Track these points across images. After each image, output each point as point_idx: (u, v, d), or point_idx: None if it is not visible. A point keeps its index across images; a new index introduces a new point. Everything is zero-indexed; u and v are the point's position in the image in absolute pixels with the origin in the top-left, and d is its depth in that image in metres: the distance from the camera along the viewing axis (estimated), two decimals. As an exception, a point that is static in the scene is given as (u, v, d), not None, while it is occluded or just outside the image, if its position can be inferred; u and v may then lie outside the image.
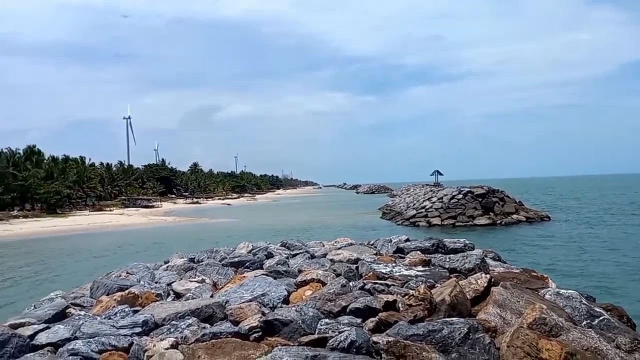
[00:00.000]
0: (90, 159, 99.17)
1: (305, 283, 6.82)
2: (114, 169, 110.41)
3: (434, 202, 42.75)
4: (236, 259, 8.69)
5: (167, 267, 8.80)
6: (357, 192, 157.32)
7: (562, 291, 6.45)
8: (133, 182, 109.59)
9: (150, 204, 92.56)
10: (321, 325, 4.93)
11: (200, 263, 8.81)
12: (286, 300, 6.20)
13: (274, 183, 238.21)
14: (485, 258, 8.21)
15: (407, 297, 5.64)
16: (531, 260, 19.50)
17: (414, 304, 5.45)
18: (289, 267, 8.24)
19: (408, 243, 9.32)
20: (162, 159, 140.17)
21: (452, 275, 7.10)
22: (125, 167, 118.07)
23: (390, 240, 9.79)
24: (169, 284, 7.25)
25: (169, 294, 6.81)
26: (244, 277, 7.17)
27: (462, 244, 9.19)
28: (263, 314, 5.39)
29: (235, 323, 5.26)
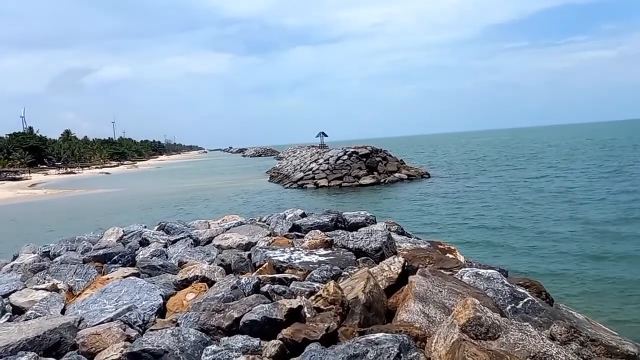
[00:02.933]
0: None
1: (187, 282, 5.57)
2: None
3: (320, 164, 42.46)
4: (101, 252, 7.20)
5: (12, 266, 7.09)
6: (244, 156, 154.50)
7: (481, 271, 5.79)
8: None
9: (18, 177, 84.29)
10: (207, 354, 3.74)
11: (56, 260, 7.19)
12: (162, 311, 4.94)
13: (156, 149, 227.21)
14: (391, 233, 7.40)
15: (314, 298, 4.61)
16: (421, 221, 19.55)
17: (323, 307, 4.43)
18: (167, 258, 6.95)
19: (305, 219, 8.32)
20: (30, 127, 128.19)
21: (359, 259, 6.22)
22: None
23: (285, 216, 8.73)
24: (6, 295, 5.64)
25: (4, 311, 5.23)
26: (108, 279, 5.75)
27: (364, 217, 8.39)
28: (129, 339, 4.10)
29: (89, 356, 3.93)
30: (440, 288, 4.95)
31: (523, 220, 18.58)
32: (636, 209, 19.20)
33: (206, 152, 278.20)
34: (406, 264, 5.68)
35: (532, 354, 3.81)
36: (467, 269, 5.97)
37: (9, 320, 4.99)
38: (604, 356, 4.50)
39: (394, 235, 7.47)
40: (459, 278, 5.68)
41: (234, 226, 8.42)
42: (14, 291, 5.75)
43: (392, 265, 5.53)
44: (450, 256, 7.07)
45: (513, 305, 5.32)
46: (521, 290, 5.58)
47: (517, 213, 20.14)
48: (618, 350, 4.58)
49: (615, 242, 14.17)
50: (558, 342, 4.44)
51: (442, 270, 5.82)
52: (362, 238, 6.76)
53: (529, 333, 4.11)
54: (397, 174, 38.81)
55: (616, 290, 10.30)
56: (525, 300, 5.40)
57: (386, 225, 7.96)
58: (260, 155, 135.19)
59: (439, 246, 7.66)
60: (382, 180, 37.47)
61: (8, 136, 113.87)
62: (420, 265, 5.92)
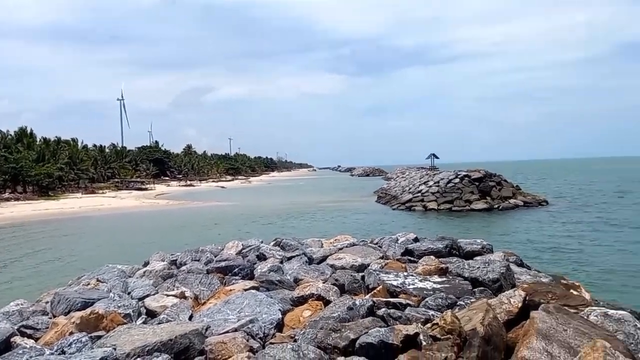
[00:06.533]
0: (83, 141, 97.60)
1: (303, 299, 5.76)
2: (107, 150, 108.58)
3: (430, 186, 41.76)
4: (223, 264, 7.63)
5: (145, 272, 7.71)
6: (352, 175, 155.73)
7: (610, 312, 5.40)
8: (126, 164, 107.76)
9: (144, 187, 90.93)
10: (326, 374, 3.86)
11: (182, 269, 7.72)
12: (280, 325, 5.14)
13: (268, 165, 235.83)
14: (509, 264, 7.15)
15: (430, 326, 4.58)
16: (539, 253, 18.56)
17: (439, 336, 4.38)
18: (283, 273, 7.20)
19: (417, 244, 8.26)
20: (156, 141, 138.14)
21: (475, 289, 6.07)
22: (119, 148, 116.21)
23: (397, 240, 8.74)
24: (142, 299, 6.15)
25: (139, 314, 5.71)
26: (231, 290, 6.09)
27: (480, 246, 8.17)
28: (251, 350, 4.32)
29: (216, 364, 4.19)
30: (565, 327, 4.70)
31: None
32: None
33: (315, 170, 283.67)
34: (527, 298, 5.46)
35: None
36: (594, 308, 5.61)
37: (144, 323, 5.45)
38: None
39: (513, 267, 7.20)
40: (585, 317, 5.36)
41: (346, 246, 8.56)
42: (148, 296, 6.26)
43: (512, 299, 5.34)
44: (575, 293, 6.67)
45: (648, 351, 4.92)
46: (656, 336, 5.15)
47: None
48: None
49: None
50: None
51: (566, 308, 5.52)
52: (478, 267, 6.59)
53: (667, 385, 3.79)
54: (512, 200, 37.21)
55: None
56: (661, 347, 4.98)
57: (504, 256, 7.70)
58: (368, 175, 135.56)
59: (562, 281, 7.25)
60: (495, 206, 36.10)
61: (137, 149, 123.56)
62: (542, 301, 5.65)
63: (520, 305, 5.25)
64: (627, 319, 5.27)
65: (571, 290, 6.75)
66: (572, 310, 5.47)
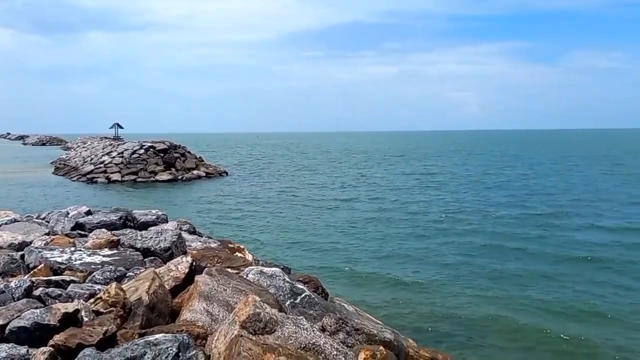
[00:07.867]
0: None
1: (-60, 288, 4.93)
2: None
3: (114, 157, 40.17)
4: None
5: None
6: (25, 144, 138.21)
7: (265, 269, 6.13)
8: None
9: None
10: (-38, 368, 3.41)
11: None
12: None
13: None
14: (181, 232, 7.43)
15: (93, 301, 4.45)
16: (215, 220, 19.71)
17: (103, 310, 4.31)
18: None
19: (90, 217, 7.90)
20: None
21: (146, 259, 6.14)
22: None
23: (67, 214, 8.20)
24: None
25: None
26: None
27: (154, 216, 8.28)
28: None
29: None
30: (225, 287, 5.14)
31: (308, 219, 19.86)
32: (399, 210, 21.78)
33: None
34: (194, 263, 5.77)
35: (303, 345, 4.20)
36: (253, 267, 6.27)
37: None
38: (366, 343, 5.11)
39: (185, 235, 7.50)
40: (245, 276, 5.95)
41: (5, 223, 7.67)
42: None
43: (180, 265, 5.57)
44: (239, 255, 7.33)
45: (292, 300, 5.75)
46: (300, 286, 6.06)
47: (303, 214, 21.42)
48: (377, 338, 5.24)
49: (387, 241, 15.94)
50: (328, 333, 4.93)
51: (229, 269, 6.03)
52: (151, 237, 6.67)
53: (302, 326, 4.51)
54: (195, 172, 38.46)
55: (386, 284, 11.60)
56: (303, 295, 5.88)
57: (177, 225, 7.96)
58: (44, 144, 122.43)
59: (229, 245, 7.88)
60: (179, 177, 36.84)
61: None
62: (209, 265, 6.06)
63: (187, 271, 5.52)
64: (277, 274, 6.05)
65: (236, 253, 7.40)
66: (234, 271, 6.02)
